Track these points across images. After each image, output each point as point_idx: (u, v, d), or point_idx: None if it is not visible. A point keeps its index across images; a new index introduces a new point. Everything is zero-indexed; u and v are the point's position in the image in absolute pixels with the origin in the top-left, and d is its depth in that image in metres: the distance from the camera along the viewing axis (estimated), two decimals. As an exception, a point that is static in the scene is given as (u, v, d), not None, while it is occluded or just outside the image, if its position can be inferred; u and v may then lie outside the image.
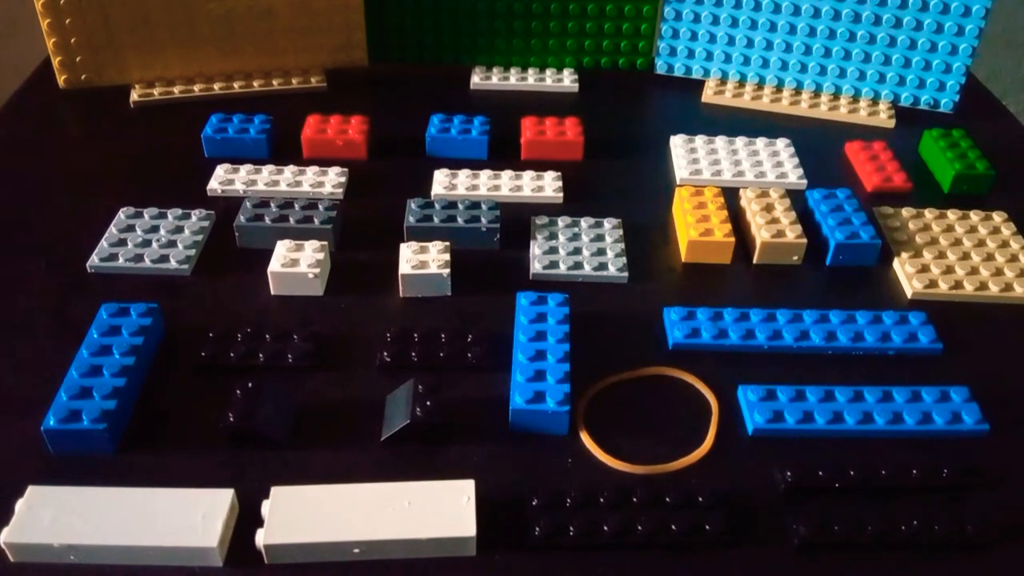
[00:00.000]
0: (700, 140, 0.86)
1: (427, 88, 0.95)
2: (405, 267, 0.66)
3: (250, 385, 0.55)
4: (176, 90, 0.90)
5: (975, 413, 0.57)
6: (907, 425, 0.56)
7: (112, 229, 0.70)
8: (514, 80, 0.97)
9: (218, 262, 0.69)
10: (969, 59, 0.89)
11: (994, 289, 0.68)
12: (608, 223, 0.73)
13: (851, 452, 0.55)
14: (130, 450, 0.54)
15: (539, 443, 0.55)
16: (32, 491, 0.49)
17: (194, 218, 0.72)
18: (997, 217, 0.76)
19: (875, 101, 0.94)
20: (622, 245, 0.71)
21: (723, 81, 0.97)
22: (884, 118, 0.91)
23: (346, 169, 0.79)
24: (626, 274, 0.69)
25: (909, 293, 0.68)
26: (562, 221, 0.73)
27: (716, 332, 0.62)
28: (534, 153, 0.83)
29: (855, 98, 0.94)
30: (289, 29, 0.91)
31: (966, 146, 0.83)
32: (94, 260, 0.68)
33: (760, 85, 0.96)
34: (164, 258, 0.68)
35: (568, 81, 0.97)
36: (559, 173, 0.80)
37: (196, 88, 0.90)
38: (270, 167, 0.79)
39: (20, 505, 0.48)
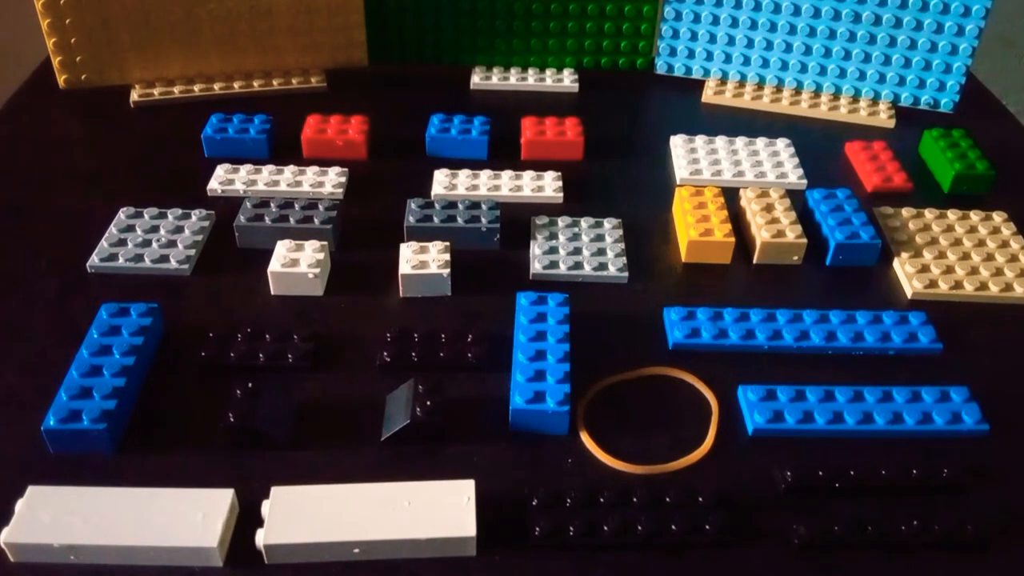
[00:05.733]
0: (700, 140, 0.86)
1: (427, 88, 0.95)
2: (405, 267, 0.66)
3: (250, 385, 0.55)
4: (176, 90, 0.90)
5: (975, 413, 0.57)
6: (907, 425, 0.56)
7: (112, 229, 0.70)
8: (514, 80, 0.97)
9: (218, 262, 0.69)
10: (969, 59, 0.89)
11: (994, 289, 0.68)
12: (608, 223, 0.73)
13: (851, 452, 0.55)
14: (130, 450, 0.54)
15: (539, 443, 0.55)
16: (32, 491, 0.49)
17: (194, 218, 0.72)
18: (997, 217, 0.76)
19: (875, 101, 0.94)
20: (622, 245, 0.71)
21: (723, 81, 0.97)
22: (884, 118, 0.91)
23: (346, 169, 0.79)
24: (626, 274, 0.69)
25: (909, 293, 0.68)
26: (562, 221, 0.73)
27: (716, 332, 0.62)
28: (534, 153, 0.83)
29: (855, 98, 0.94)
30: (289, 29, 0.91)
31: (966, 146, 0.83)
32: (94, 260, 0.68)
33: (760, 85, 0.96)
34: (164, 258, 0.68)
35: (568, 81, 0.97)
36: (559, 173, 0.80)
37: (196, 88, 0.90)
38: (270, 167, 0.79)
39: (20, 505, 0.48)
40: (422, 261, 0.66)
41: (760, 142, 0.86)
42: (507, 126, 0.86)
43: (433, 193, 0.77)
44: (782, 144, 0.86)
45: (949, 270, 0.70)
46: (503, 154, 0.83)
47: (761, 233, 0.71)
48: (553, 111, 0.88)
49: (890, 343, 0.63)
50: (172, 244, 0.69)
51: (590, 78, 0.98)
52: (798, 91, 0.95)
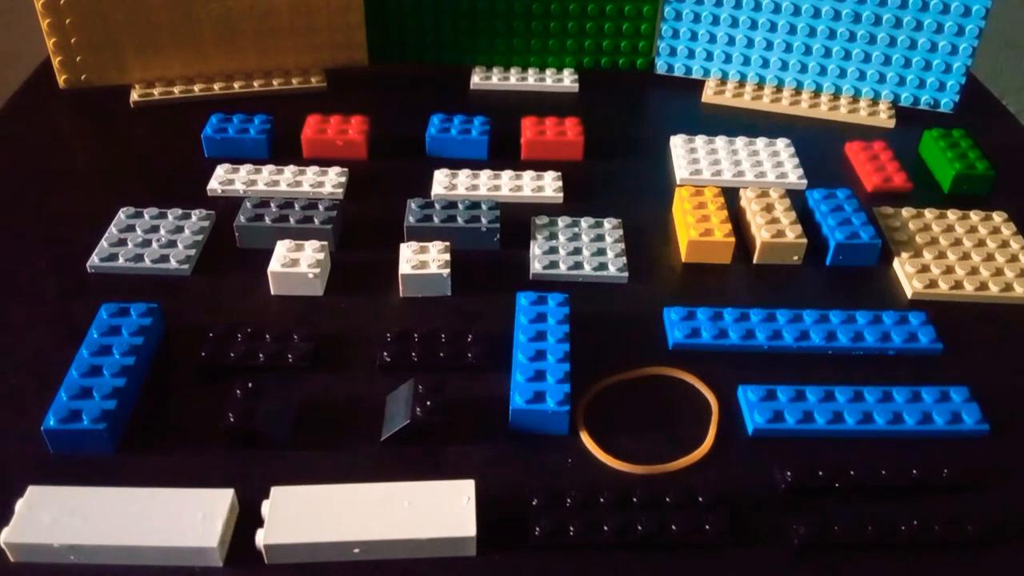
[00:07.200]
0: (700, 140, 0.86)
1: (427, 88, 0.95)
2: (405, 267, 0.66)
3: (250, 385, 0.55)
4: (176, 90, 0.90)
5: (975, 413, 0.57)
6: (907, 425, 0.56)
7: (112, 229, 0.70)
8: (514, 80, 0.97)
9: (218, 262, 0.69)
10: (969, 59, 0.89)
11: (994, 289, 0.68)
12: (608, 223, 0.73)
13: (851, 452, 0.55)
14: (130, 450, 0.54)
15: (539, 443, 0.55)
16: (32, 491, 0.49)
17: (194, 218, 0.72)
18: (997, 217, 0.76)
19: (875, 101, 0.94)
20: (622, 245, 0.71)
21: (723, 81, 0.97)
22: (884, 118, 0.91)
23: (346, 169, 0.79)
24: (626, 274, 0.69)
25: (909, 293, 0.68)
26: (562, 221, 0.73)
27: (716, 332, 0.62)
28: (534, 153, 0.83)
29: (855, 98, 0.94)
30: (289, 29, 0.91)
31: (966, 146, 0.83)
32: (94, 260, 0.68)
33: (760, 85, 0.96)
34: (164, 258, 0.68)
35: (568, 81, 0.97)
36: (559, 173, 0.80)
37: (196, 88, 0.90)
38: (270, 167, 0.79)
39: (20, 505, 0.48)
40: (422, 261, 0.66)
41: (760, 142, 0.86)
42: (507, 126, 0.86)
43: (433, 193, 0.77)
44: (782, 144, 0.86)
45: (949, 270, 0.70)
46: (503, 154, 0.83)
47: (761, 233, 0.71)
48: (553, 111, 0.88)
49: (890, 343, 0.63)
50: (172, 244, 0.69)
51: (590, 78, 0.98)
52: (798, 91, 0.95)
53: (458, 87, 0.96)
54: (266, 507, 0.49)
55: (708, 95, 0.95)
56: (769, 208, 0.74)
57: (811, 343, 0.63)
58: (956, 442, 0.56)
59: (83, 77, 0.90)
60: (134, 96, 0.89)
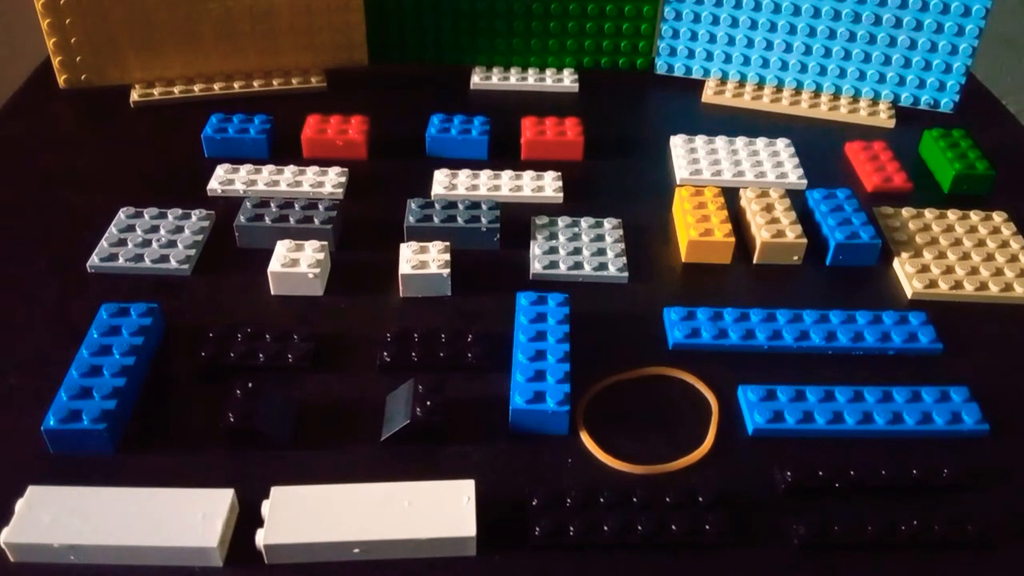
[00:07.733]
0: (700, 140, 0.86)
1: (427, 88, 0.95)
2: (405, 267, 0.66)
3: (250, 385, 0.55)
4: (176, 90, 0.90)
5: (975, 413, 0.57)
6: (907, 425, 0.56)
7: (112, 229, 0.70)
8: (514, 80, 0.97)
9: (218, 262, 0.69)
10: (969, 59, 0.89)
11: (994, 289, 0.68)
12: (608, 223, 0.73)
13: (851, 452, 0.55)
14: (130, 450, 0.54)
15: (539, 443, 0.55)
16: (32, 491, 0.49)
17: (194, 218, 0.72)
18: (997, 217, 0.76)
19: (875, 101, 0.94)
20: (622, 245, 0.71)
21: (723, 81, 0.97)
22: (884, 118, 0.91)
23: (346, 169, 0.79)
24: (626, 274, 0.69)
25: (909, 293, 0.68)
26: (562, 221, 0.73)
27: (716, 332, 0.62)
28: (534, 153, 0.83)
29: (855, 98, 0.94)
30: (289, 29, 0.91)
31: (966, 146, 0.83)
32: (94, 260, 0.68)
33: (760, 85, 0.96)
34: (164, 258, 0.68)
35: (568, 81, 0.97)
36: (559, 173, 0.80)
37: (196, 88, 0.90)
38: (270, 167, 0.79)
39: (20, 505, 0.48)
40: (422, 261, 0.66)
41: (760, 142, 0.86)
42: (507, 126, 0.86)
43: (433, 193, 0.77)
44: (782, 144, 0.86)
45: (949, 270, 0.70)
46: (503, 154, 0.83)
47: (761, 233, 0.71)
48: (553, 111, 0.88)
49: (890, 343, 0.63)
50: (172, 244, 0.69)
51: (590, 78, 0.98)
52: (798, 91, 0.95)
53: (458, 87, 0.96)
54: (266, 507, 0.49)
55: (708, 95, 0.95)
56: (769, 208, 0.74)
57: (811, 343, 0.63)
58: (956, 442, 0.56)
59: (83, 77, 0.90)
60: (134, 96, 0.89)
